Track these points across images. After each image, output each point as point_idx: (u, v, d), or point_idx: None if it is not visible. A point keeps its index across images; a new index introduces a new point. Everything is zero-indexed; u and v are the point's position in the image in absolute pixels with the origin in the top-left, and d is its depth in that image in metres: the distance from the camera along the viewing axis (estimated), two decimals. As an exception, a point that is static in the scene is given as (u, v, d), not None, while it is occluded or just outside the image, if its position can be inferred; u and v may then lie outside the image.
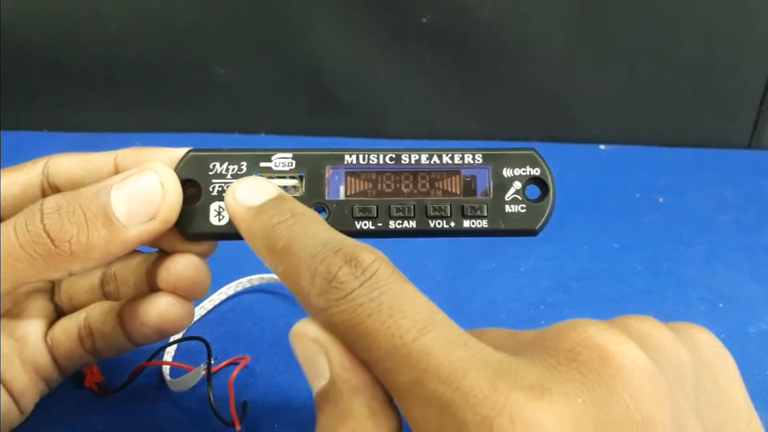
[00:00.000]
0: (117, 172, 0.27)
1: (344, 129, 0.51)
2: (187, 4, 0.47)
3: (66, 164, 0.28)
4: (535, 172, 0.27)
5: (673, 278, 0.39)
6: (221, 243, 0.41)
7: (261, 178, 0.25)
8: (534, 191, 0.27)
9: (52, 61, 0.50)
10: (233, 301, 0.39)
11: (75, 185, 0.26)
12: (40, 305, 0.30)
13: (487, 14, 0.45)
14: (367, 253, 0.20)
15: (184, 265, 0.27)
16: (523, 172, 0.27)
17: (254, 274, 0.39)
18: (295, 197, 0.25)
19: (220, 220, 0.27)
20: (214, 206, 0.26)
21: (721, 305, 0.38)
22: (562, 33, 0.46)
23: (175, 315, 0.27)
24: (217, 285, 0.39)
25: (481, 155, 0.27)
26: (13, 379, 0.28)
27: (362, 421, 0.19)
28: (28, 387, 0.29)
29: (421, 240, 0.43)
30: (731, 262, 0.41)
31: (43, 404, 0.34)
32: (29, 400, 0.29)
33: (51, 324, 0.30)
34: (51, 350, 0.29)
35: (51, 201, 0.24)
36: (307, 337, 0.20)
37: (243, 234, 0.23)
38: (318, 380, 0.20)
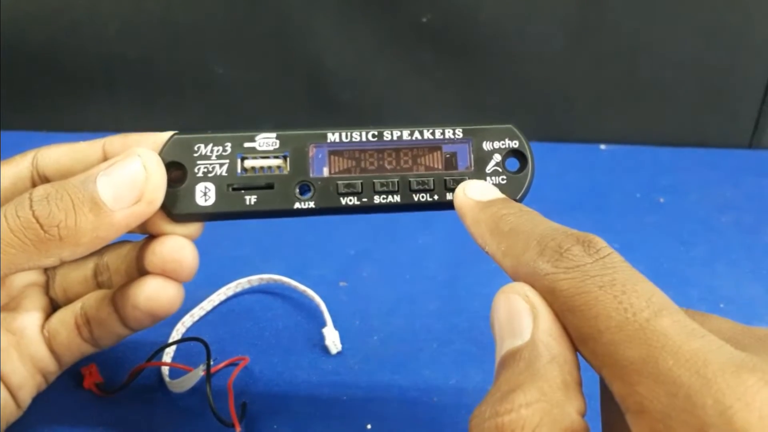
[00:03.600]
0: (105, 159, 0.27)
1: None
2: (187, 3, 0.47)
3: (55, 155, 0.28)
4: (514, 144, 0.28)
5: (674, 278, 0.39)
6: (223, 244, 0.41)
7: (489, 183, 0.27)
8: (513, 164, 0.28)
9: (51, 61, 0.50)
10: (232, 302, 0.39)
11: (64, 175, 0.27)
12: (35, 299, 0.30)
13: (487, 14, 0.45)
14: (601, 240, 0.20)
15: (170, 247, 0.28)
16: (502, 145, 0.28)
17: (253, 275, 0.39)
18: (280, 175, 0.26)
19: (206, 200, 0.27)
20: (200, 187, 0.27)
21: (722, 305, 0.38)
22: (561, 33, 0.46)
23: (165, 298, 0.28)
24: (216, 286, 0.39)
25: (461, 130, 0.27)
26: (11, 372, 0.28)
27: (554, 389, 0.18)
28: (25, 380, 0.29)
29: (421, 240, 0.43)
30: (732, 262, 0.41)
31: (43, 405, 0.34)
32: (27, 394, 0.29)
33: (47, 317, 0.30)
34: (48, 342, 0.30)
35: (39, 189, 0.24)
36: (519, 295, 0.20)
37: (468, 222, 0.25)
38: (513, 339, 0.20)
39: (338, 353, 0.37)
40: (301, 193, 0.28)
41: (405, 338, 0.37)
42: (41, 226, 0.24)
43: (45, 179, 0.28)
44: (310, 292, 0.38)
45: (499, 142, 0.27)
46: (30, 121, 0.52)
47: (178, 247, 0.28)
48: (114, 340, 0.30)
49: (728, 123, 0.49)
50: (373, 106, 0.50)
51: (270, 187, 0.27)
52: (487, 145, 0.27)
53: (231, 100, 0.51)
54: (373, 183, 0.27)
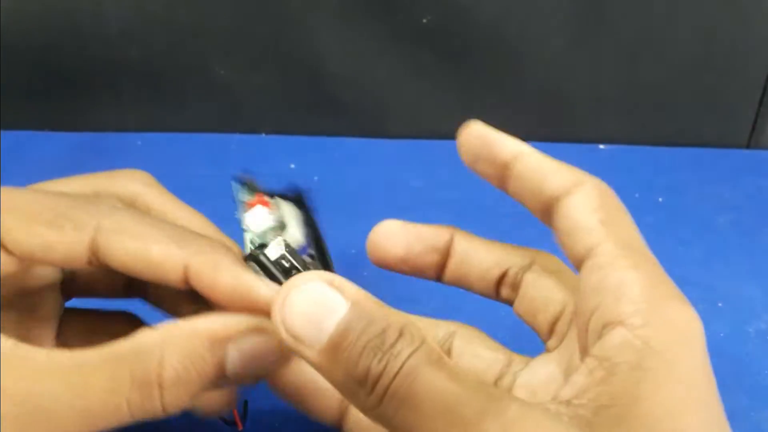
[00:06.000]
0: (186, 280, 0.23)
1: (344, 129, 0.51)
2: (189, 4, 0.47)
3: (124, 251, 0.23)
4: None
5: (673, 278, 0.39)
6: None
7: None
8: None
9: (52, 60, 0.50)
10: (234, 300, 0.39)
11: (131, 272, 0.23)
12: (52, 303, 0.28)
13: (487, 15, 0.45)
14: None
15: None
16: None
17: (255, 274, 0.39)
18: None
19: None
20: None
21: (720, 305, 0.38)
22: (561, 34, 0.46)
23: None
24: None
25: None
26: None
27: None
28: None
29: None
30: (730, 262, 0.41)
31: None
32: None
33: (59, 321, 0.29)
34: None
35: (170, 371, 0.20)
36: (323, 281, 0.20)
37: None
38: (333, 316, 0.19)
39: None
40: None
41: (405, 337, 0.37)
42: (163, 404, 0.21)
43: (100, 263, 0.24)
44: (311, 291, 0.38)
45: None
46: (30, 120, 0.52)
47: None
48: None
49: (726, 123, 0.49)
50: (373, 106, 0.51)
51: None
52: None
53: (232, 100, 0.51)
54: None
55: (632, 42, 0.46)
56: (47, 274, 0.27)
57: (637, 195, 0.46)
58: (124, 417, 0.20)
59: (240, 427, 0.32)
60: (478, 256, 0.26)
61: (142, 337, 0.21)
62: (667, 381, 0.19)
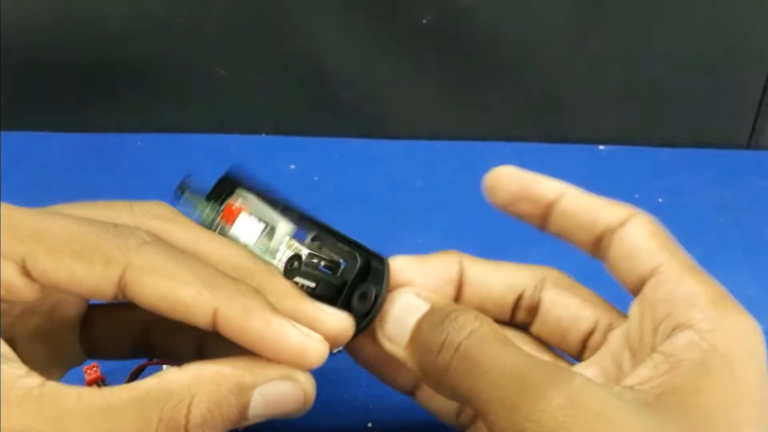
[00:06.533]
0: (215, 325, 0.23)
1: (345, 130, 0.51)
2: (189, 5, 0.47)
3: (154, 295, 0.22)
4: None
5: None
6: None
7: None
8: None
9: (52, 61, 0.50)
10: (234, 301, 0.39)
11: (158, 312, 0.23)
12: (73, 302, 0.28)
13: (487, 16, 0.46)
14: None
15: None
16: None
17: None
18: None
19: None
20: None
21: (720, 305, 0.38)
22: (561, 34, 0.46)
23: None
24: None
25: None
26: None
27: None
28: None
29: (421, 240, 0.43)
30: (730, 262, 0.41)
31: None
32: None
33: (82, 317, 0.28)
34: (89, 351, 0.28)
35: (197, 415, 0.21)
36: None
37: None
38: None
39: (339, 352, 0.37)
40: None
41: (405, 337, 0.37)
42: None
43: (129, 300, 0.23)
44: (310, 291, 0.38)
45: None
46: (30, 121, 0.53)
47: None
48: None
49: (726, 124, 0.49)
50: (373, 107, 0.51)
51: None
52: None
53: (232, 101, 0.51)
54: None
55: (632, 42, 0.47)
56: (69, 311, 0.27)
57: (636, 195, 0.46)
58: None
59: (240, 428, 0.32)
60: (491, 281, 0.27)
61: (171, 378, 0.21)
62: (727, 379, 0.21)
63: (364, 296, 0.26)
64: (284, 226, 0.28)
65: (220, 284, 0.23)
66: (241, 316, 0.22)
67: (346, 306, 0.26)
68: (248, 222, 0.28)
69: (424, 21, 0.46)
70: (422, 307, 0.24)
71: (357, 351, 0.27)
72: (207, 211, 0.28)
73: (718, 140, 0.49)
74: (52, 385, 0.21)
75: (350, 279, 0.26)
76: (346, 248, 0.27)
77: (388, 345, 0.24)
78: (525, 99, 0.49)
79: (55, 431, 0.20)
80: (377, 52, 0.48)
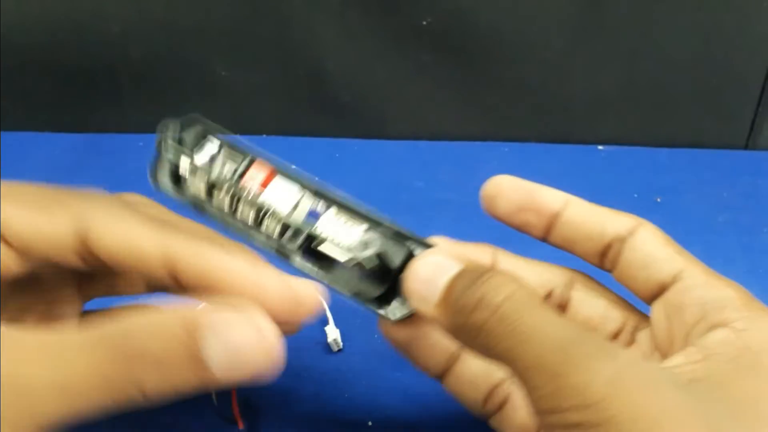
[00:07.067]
0: (169, 267, 0.23)
1: (345, 130, 0.51)
2: (190, 5, 0.47)
3: (110, 240, 0.24)
4: None
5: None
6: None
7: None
8: None
9: (53, 61, 0.50)
10: (235, 300, 0.39)
11: (115, 263, 0.24)
12: (69, 292, 0.29)
13: (487, 16, 0.46)
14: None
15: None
16: None
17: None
18: None
19: None
20: None
21: (718, 304, 0.38)
22: (560, 35, 0.46)
23: None
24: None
25: None
26: None
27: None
28: None
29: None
30: (729, 261, 0.41)
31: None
32: None
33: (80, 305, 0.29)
34: None
35: (149, 355, 0.21)
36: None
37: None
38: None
39: (339, 351, 0.37)
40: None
41: (406, 336, 0.37)
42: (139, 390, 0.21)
43: (89, 255, 0.24)
44: (311, 290, 0.38)
45: None
46: (31, 121, 0.53)
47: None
48: None
49: (725, 124, 0.49)
50: (374, 107, 0.51)
51: None
52: None
53: (233, 101, 0.51)
54: None
55: (631, 43, 0.47)
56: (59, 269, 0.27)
57: (635, 195, 0.46)
58: (103, 398, 0.21)
59: (240, 425, 0.33)
60: (523, 276, 0.27)
61: (127, 319, 0.21)
62: (757, 374, 0.21)
63: None
64: (304, 201, 0.27)
65: (176, 230, 0.24)
66: (193, 256, 0.23)
67: (392, 289, 0.26)
68: (285, 186, 0.27)
69: (425, 22, 0.46)
70: (454, 268, 0.23)
71: (393, 332, 0.27)
72: (225, 166, 0.27)
73: (716, 140, 0.50)
74: (15, 331, 0.21)
75: (398, 264, 0.26)
76: (389, 234, 0.27)
77: (417, 303, 0.24)
78: (525, 99, 0.49)
79: (10, 370, 0.20)
80: (378, 52, 0.48)
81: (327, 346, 0.37)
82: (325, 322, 0.37)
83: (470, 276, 0.23)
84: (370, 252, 0.26)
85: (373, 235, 0.26)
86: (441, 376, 0.28)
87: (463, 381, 0.28)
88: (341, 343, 0.37)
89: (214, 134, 0.28)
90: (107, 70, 0.51)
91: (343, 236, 0.26)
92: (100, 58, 0.50)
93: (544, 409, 0.20)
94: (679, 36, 0.46)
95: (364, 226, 0.27)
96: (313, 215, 0.27)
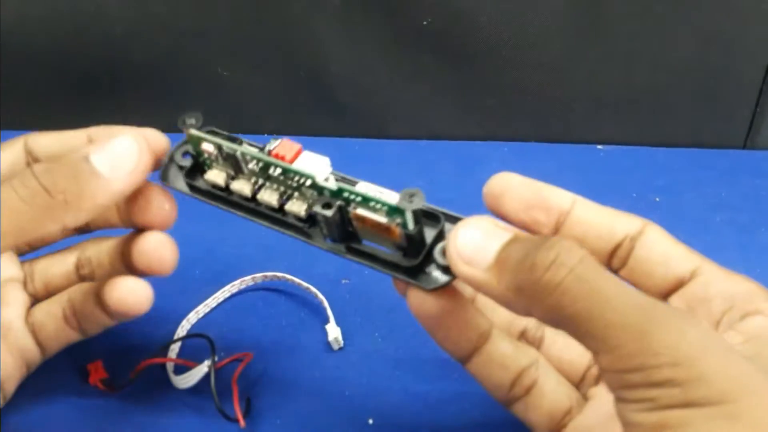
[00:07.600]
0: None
1: (346, 130, 0.51)
2: (191, 6, 0.47)
3: (45, 141, 0.32)
4: None
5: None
6: (229, 243, 0.41)
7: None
8: None
9: (55, 62, 0.51)
10: (237, 298, 0.40)
11: (56, 158, 0.28)
12: (16, 293, 0.32)
13: (487, 18, 0.46)
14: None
15: (153, 242, 0.30)
16: None
17: (258, 272, 0.40)
18: None
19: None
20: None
21: (716, 303, 0.38)
22: (560, 36, 0.47)
23: (132, 301, 0.30)
24: (221, 283, 0.39)
25: None
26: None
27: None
28: (13, 371, 0.30)
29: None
30: (727, 261, 0.41)
31: (48, 400, 0.35)
32: (12, 385, 0.31)
33: (28, 310, 0.32)
34: (34, 333, 0.31)
35: (40, 165, 0.27)
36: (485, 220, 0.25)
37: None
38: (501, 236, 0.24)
39: (340, 349, 0.37)
40: None
41: (406, 335, 0.38)
42: (48, 192, 0.26)
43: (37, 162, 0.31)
44: (313, 289, 0.39)
45: None
46: (33, 122, 0.53)
47: (159, 243, 0.30)
48: (100, 329, 0.32)
49: (723, 124, 0.50)
50: (374, 107, 0.51)
51: None
52: None
53: (234, 101, 0.51)
54: None
55: (630, 44, 0.47)
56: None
57: (634, 194, 0.46)
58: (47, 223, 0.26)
59: (242, 424, 0.33)
60: (596, 221, 0.27)
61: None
62: None
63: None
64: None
65: (91, 128, 0.33)
66: (106, 131, 0.32)
67: (427, 258, 0.26)
68: (313, 156, 0.28)
69: (425, 23, 0.46)
70: (504, 235, 0.24)
71: (427, 304, 0.26)
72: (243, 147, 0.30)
73: (714, 140, 0.50)
74: None
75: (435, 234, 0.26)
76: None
77: (463, 267, 0.24)
78: (524, 100, 0.50)
79: None
80: (378, 52, 0.48)
81: (328, 345, 0.37)
82: (326, 321, 0.37)
83: (532, 240, 0.23)
84: (410, 211, 0.25)
85: (409, 203, 0.25)
86: (468, 356, 0.28)
87: (493, 362, 0.28)
88: (342, 342, 0.37)
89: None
90: (109, 71, 0.51)
91: (380, 201, 0.26)
92: (102, 58, 0.50)
93: (626, 368, 0.20)
94: (678, 36, 0.46)
95: (397, 196, 0.26)
96: (348, 182, 0.27)
